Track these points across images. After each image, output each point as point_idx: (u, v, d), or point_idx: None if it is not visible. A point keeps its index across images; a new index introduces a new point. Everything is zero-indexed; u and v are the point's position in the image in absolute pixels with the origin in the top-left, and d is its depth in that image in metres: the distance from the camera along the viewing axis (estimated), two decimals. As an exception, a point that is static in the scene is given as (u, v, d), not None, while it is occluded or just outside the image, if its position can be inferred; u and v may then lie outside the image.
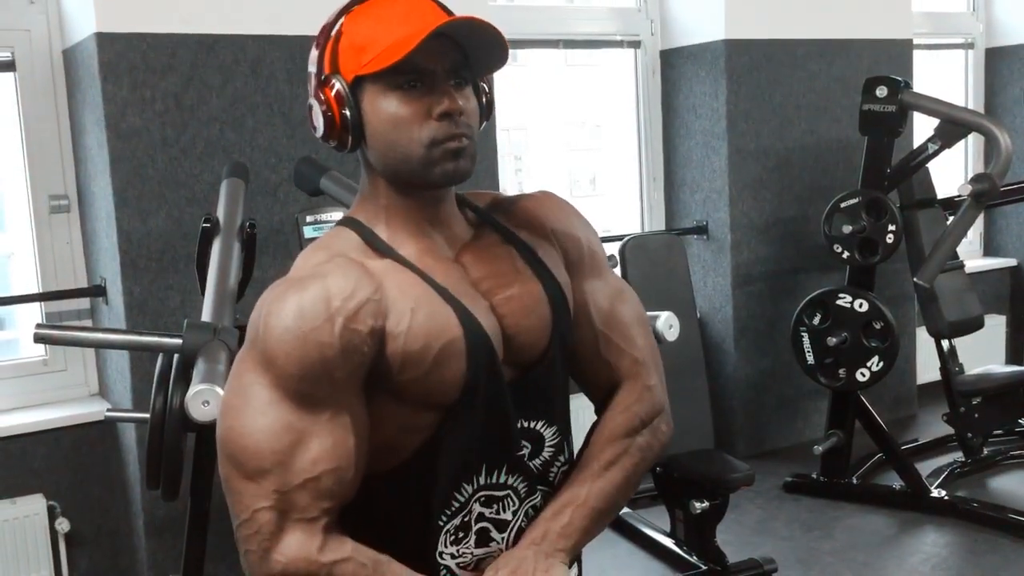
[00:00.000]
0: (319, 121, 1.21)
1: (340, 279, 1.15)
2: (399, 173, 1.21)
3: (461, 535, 1.27)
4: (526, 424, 1.29)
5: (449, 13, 1.21)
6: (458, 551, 1.27)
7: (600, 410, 1.42)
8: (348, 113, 1.19)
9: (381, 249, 1.23)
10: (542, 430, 1.32)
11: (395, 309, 1.17)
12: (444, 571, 1.27)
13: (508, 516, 1.30)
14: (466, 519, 1.27)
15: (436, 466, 1.22)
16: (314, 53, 1.22)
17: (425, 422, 1.21)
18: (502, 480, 1.28)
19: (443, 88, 1.17)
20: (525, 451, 1.30)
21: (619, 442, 1.36)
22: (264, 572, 1.14)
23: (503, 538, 1.30)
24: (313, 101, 1.21)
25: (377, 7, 1.20)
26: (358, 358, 1.15)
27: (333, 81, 1.19)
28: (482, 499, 1.27)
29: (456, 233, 1.29)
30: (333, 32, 1.19)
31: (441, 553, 1.26)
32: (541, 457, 1.32)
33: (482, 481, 1.26)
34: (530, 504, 1.31)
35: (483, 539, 1.29)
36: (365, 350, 1.15)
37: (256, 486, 1.13)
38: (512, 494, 1.29)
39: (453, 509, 1.25)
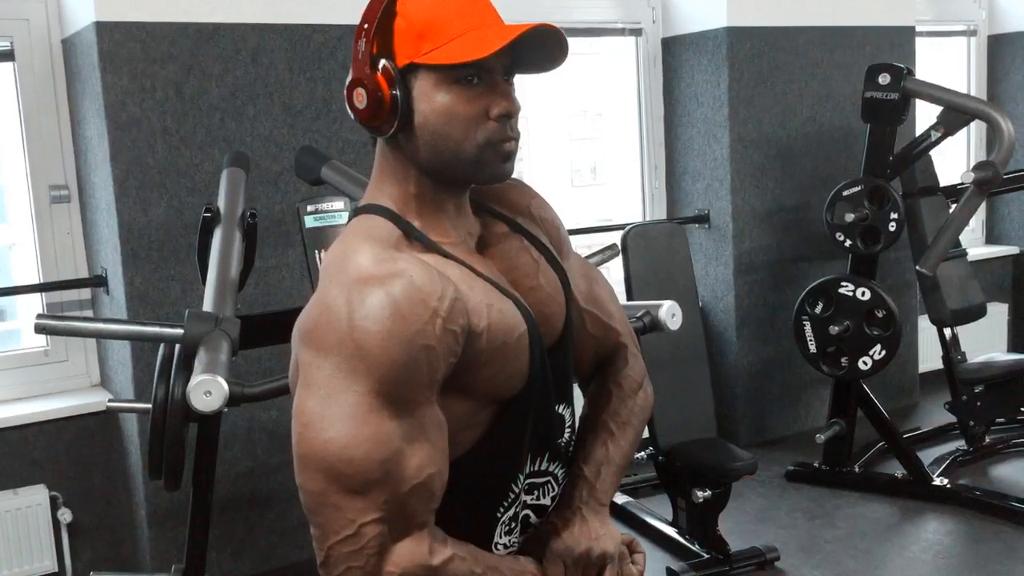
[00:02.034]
0: (364, 101, 1.13)
1: (424, 276, 1.09)
2: (443, 167, 1.17)
3: (512, 525, 1.28)
4: (557, 409, 1.32)
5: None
6: (509, 541, 1.28)
7: (588, 380, 1.47)
8: (399, 96, 1.13)
9: (423, 241, 1.18)
10: (564, 412, 1.34)
11: (473, 306, 1.13)
12: None
13: (547, 501, 1.32)
14: (517, 509, 1.28)
15: (494, 459, 1.22)
16: (363, 29, 1.14)
17: (484, 416, 1.20)
18: (544, 467, 1.30)
19: (503, 88, 1.15)
20: (563, 437, 1.33)
21: (626, 403, 1.42)
22: None
23: (538, 523, 1.33)
24: (358, 85, 1.14)
25: None
26: (452, 359, 1.11)
27: (384, 63, 1.13)
28: (527, 487, 1.28)
29: (471, 224, 1.26)
30: (384, 11, 1.13)
31: (496, 544, 1.26)
32: (564, 438, 1.35)
33: (528, 469, 1.27)
34: (562, 487, 1.34)
35: (525, 526, 1.31)
36: (458, 350, 1.11)
37: (363, 499, 1.05)
38: (552, 480, 1.32)
39: (509, 500, 1.25)
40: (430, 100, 1.13)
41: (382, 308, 1.05)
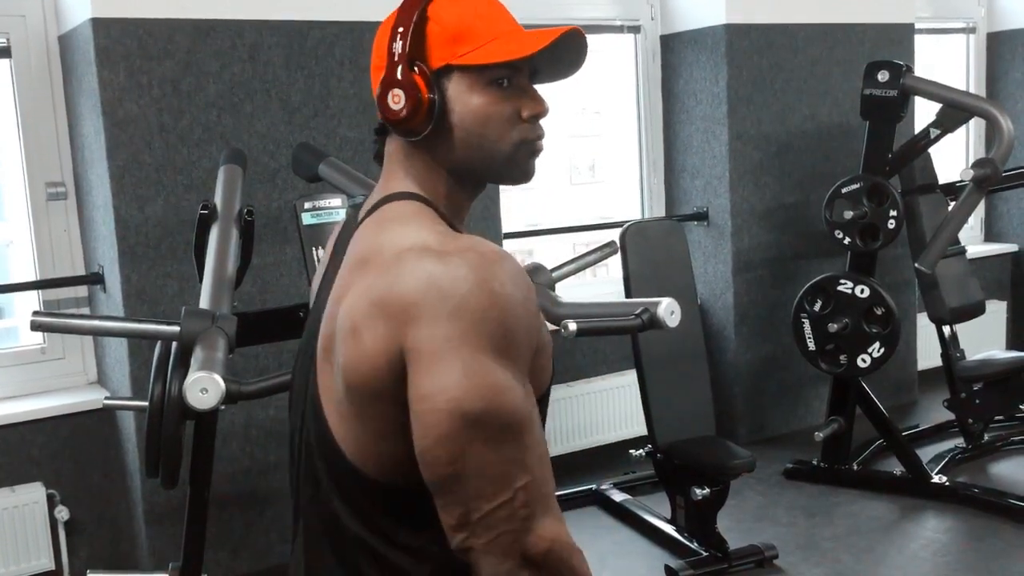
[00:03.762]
0: (401, 103, 1.14)
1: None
2: (476, 166, 1.18)
3: None
4: None
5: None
6: None
7: None
8: (436, 99, 1.15)
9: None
10: None
11: None
12: None
13: None
14: None
15: None
16: (397, 32, 1.15)
17: None
18: None
19: (532, 91, 1.18)
20: None
21: None
22: (525, 548, 1.03)
23: None
24: (394, 86, 1.15)
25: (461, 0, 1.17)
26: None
27: (421, 65, 1.14)
28: None
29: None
30: (417, 16, 1.15)
31: None
32: None
33: None
34: None
35: None
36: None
37: (517, 454, 1.03)
38: None
39: None
40: (467, 102, 1.15)
41: (514, 275, 1.06)
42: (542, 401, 1.16)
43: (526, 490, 1.03)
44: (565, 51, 1.18)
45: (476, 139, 1.16)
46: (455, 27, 1.15)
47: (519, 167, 1.19)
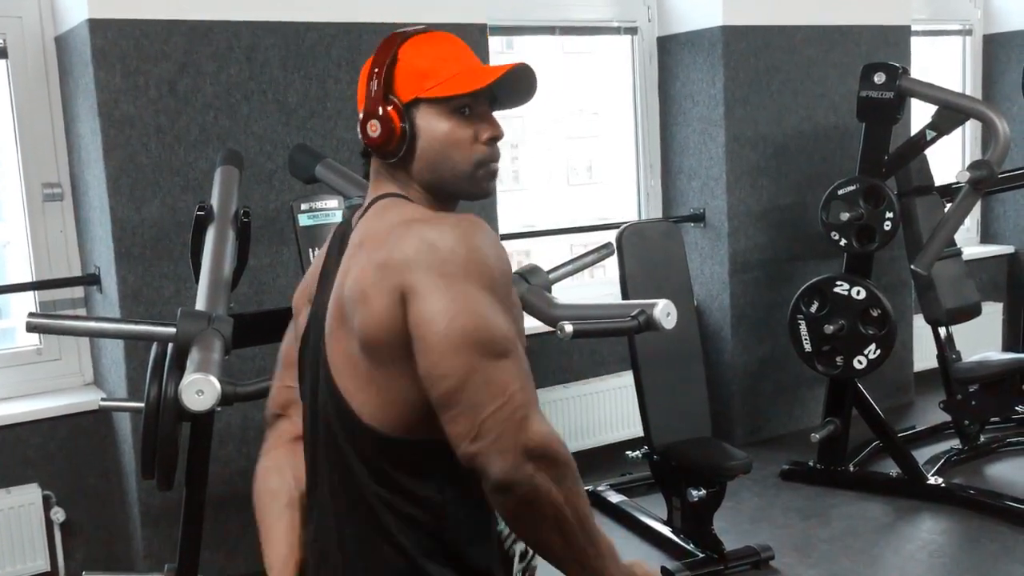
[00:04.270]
0: (378, 131, 1.36)
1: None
2: (444, 184, 1.39)
3: None
4: None
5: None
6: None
7: None
8: (407, 128, 1.36)
9: None
10: None
11: None
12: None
13: None
14: None
15: None
16: (374, 72, 1.38)
17: None
18: None
19: (491, 117, 1.40)
20: None
21: None
22: (524, 442, 1.19)
23: None
24: (373, 117, 1.37)
25: (427, 43, 1.39)
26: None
27: (394, 99, 1.36)
28: None
29: None
30: (389, 59, 1.37)
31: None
32: None
33: None
34: None
35: None
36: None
37: (507, 366, 1.21)
38: None
39: None
40: (433, 128, 1.37)
41: (487, 239, 1.28)
42: None
43: (519, 394, 1.21)
44: (518, 82, 1.40)
45: (442, 159, 1.37)
46: (421, 67, 1.37)
47: (478, 185, 1.39)
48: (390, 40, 1.40)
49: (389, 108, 1.36)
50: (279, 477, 1.48)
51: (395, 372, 1.26)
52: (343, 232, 1.43)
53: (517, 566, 1.46)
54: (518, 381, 1.21)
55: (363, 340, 1.27)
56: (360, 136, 1.39)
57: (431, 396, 1.22)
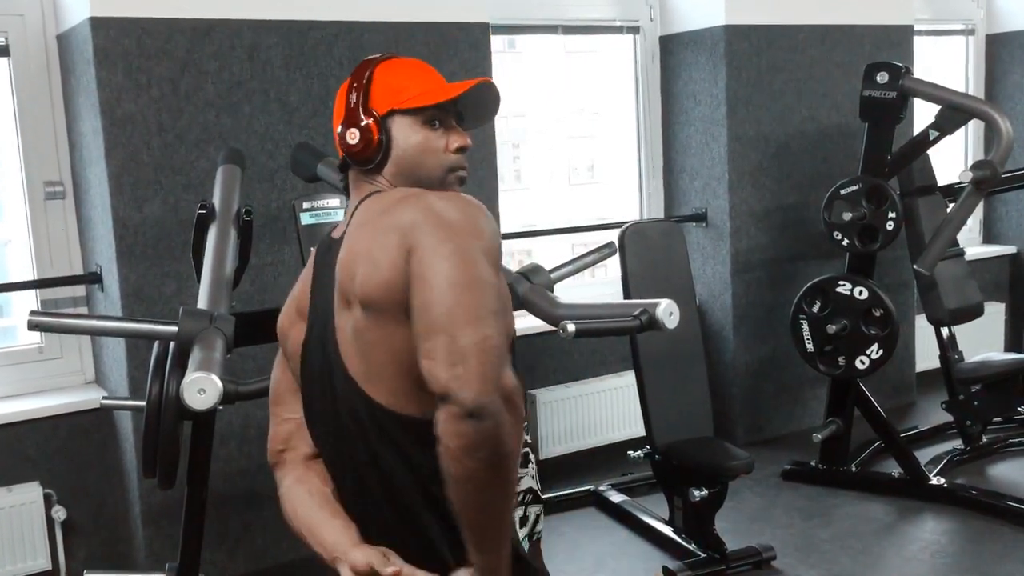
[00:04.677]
0: (356, 139, 1.51)
1: None
2: (419, 187, 1.50)
3: None
4: None
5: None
6: None
7: None
8: (384, 137, 1.51)
9: None
10: None
11: None
12: None
13: None
14: None
15: None
16: (350, 88, 1.54)
17: None
18: None
19: (458, 129, 1.55)
20: None
21: None
22: (500, 378, 1.26)
23: None
24: (352, 126, 1.52)
25: (400, 65, 1.56)
26: None
27: (371, 111, 1.52)
28: None
29: None
30: (366, 77, 1.53)
31: None
32: None
33: None
34: None
35: None
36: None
37: (493, 319, 1.30)
38: None
39: None
40: (407, 137, 1.52)
41: (488, 216, 1.42)
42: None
43: (498, 339, 1.29)
44: (483, 99, 1.58)
45: (416, 166, 1.52)
46: (395, 84, 1.54)
47: (449, 188, 1.52)
48: (365, 63, 1.57)
49: (368, 119, 1.51)
50: (306, 487, 1.60)
51: (391, 330, 1.35)
52: (327, 245, 1.54)
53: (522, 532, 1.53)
54: (500, 326, 1.30)
55: (364, 297, 1.37)
56: (338, 147, 1.53)
57: (419, 328, 1.29)
